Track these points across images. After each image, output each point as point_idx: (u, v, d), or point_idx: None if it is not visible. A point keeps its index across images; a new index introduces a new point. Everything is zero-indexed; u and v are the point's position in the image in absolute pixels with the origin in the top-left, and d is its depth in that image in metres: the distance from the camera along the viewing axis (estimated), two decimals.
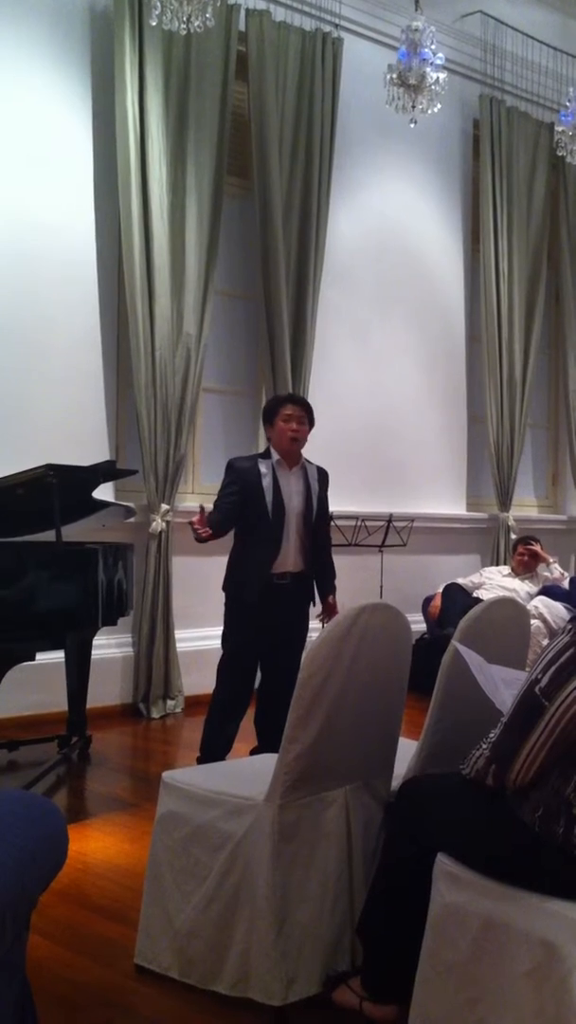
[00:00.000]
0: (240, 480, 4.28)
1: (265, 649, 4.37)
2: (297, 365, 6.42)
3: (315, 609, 4.54)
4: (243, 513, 4.27)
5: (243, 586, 4.30)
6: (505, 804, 2.17)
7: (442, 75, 5.23)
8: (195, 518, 4.13)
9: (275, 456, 4.34)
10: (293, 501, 4.32)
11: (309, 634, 4.49)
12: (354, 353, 7.04)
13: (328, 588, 4.49)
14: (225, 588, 4.38)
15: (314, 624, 4.57)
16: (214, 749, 4.27)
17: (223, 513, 4.25)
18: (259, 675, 4.48)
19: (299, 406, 4.41)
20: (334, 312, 6.82)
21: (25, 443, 5.25)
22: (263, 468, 4.30)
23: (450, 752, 2.57)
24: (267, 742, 4.31)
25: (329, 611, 4.46)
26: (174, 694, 5.87)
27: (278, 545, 4.26)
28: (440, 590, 6.97)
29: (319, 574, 4.48)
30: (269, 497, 4.26)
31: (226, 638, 4.37)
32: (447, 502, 7.67)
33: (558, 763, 2.09)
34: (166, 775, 2.79)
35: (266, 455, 4.37)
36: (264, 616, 4.27)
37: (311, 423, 4.43)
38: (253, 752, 4.31)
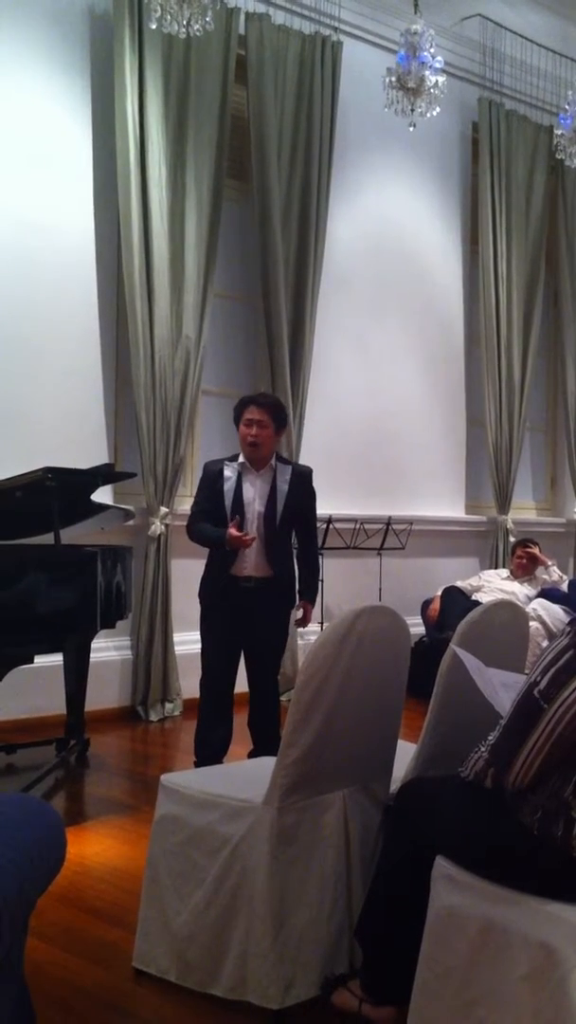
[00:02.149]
0: (209, 486, 4.27)
1: (245, 651, 4.34)
2: (296, 368, 6.42)
3: (298, 613, 4.48)
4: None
5: (206, 588, 4.30)
6: (504, 806, 2.16)
7: (441, 78, 5.22)
8: (232, 530, 4.03)
9: (241, 458, 4.28)
10: (255, 504, 4.23)
11: (308, 639, 4.47)
12: (353, 356, 7.05)
13: (305, 593, 4.38)
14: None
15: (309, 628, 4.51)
16: (204, 750, 4.26)
17: (211, 520, 4.22)
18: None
19: (262, 408, 4.21)
20: (333, 315, 6.82)
21: (24, 446, 5.25)
22: (228, 471, 4.25)
23: (449, 755, 2.57)
24: (259, 744, 4.33)
25: (303, 617, 4.40)
26: (172, 697, 5.87)
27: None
28: (439, 593, 6.98)
29: (299, 577, 4.40)
30: (229, 500, 4.21)
31: (201, 639, 4.38)
32: (446, 505, 7.67)
33: (557, 765, 2.09)
34: (164, 778, 2.79)
35: (235, 457, 4.32)
36: (228, 619, 4.23)
37: (279, 424, 4.27)
38: (251, 755, 4.31)
